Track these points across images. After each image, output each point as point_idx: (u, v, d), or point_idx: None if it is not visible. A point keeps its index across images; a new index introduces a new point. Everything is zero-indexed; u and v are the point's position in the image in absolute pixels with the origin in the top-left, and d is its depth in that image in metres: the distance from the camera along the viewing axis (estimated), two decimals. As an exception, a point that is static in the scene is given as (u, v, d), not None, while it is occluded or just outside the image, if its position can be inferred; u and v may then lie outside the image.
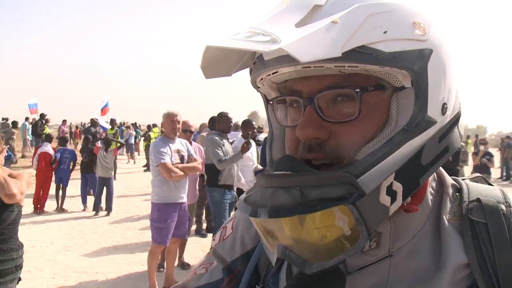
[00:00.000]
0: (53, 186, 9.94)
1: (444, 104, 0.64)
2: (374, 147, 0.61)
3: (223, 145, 5.67)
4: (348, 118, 0.62)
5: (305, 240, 0.58)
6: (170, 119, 4.91)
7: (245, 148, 5.64)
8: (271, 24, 0.58)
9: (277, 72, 0.64)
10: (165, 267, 5.40)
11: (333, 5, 0.60)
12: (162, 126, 5.11)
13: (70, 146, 12.72)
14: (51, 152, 9.96)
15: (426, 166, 0.62)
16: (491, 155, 12.71)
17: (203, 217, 7.73)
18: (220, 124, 5.90)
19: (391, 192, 0.59)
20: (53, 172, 9.99)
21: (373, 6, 0.58)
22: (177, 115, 4.94)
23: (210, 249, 0.93)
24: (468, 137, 24.57)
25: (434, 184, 0.74)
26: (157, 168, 4.78)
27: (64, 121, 23.85)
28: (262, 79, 0.69)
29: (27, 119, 20.89)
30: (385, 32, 0.57)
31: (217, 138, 5.66)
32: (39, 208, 9.51)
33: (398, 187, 0.60)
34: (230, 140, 6.06)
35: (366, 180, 0.58)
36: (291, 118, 0.71)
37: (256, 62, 0.65)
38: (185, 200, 5.07)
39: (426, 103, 0.61)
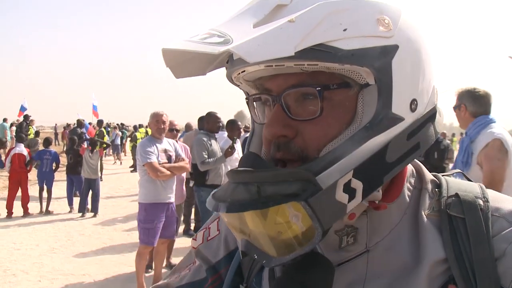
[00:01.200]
0: (36, 188, 9.74)
1: (414, 100, 0.64)
2: (336, 144, 0.61)
3: (211, 145, 5.65)
4: (312, 116, 0.63)
5: (266, 234, 0.58)
6: (155, 119, 4.90)
7: (229, 153, 5.63)
8: (230, 25, 0.59)
9: (245, 71, 0.65)
10: (153, 268, 5.37)
11: (297, 4, 0.60)
12: (149, 127, 5.07)
13: (55, 147, 12.52)
14: (25, 153, 9.77)
15: (392, 164, 0.62)
16: None
17: (191, 217, 7.71)
18: (209, 123, 5.87)
19: (349, 190, 0.58)
20: (36, 174, 9.80)
21: (334, 4, 0.57)
22: (163, 115, 4.93)
23: (192, 248, 0.93)
24: (453, 135, 24.84)
25: (412, 180, 0.74)
26: (144, 168, 4.75)
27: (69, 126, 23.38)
28: (235, 77, 0.69)
29: (5, 120, 20.56)
30: (344, 30, 0.57)
31: (204, 138, 5.64)
32: (24, 211, 9.34)
33: (357, 184, 0.59)
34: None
35: (325, 177, 0.58)
36: (266, 116, 0.72)
37: (228, 61, 0.66)
38: (172, 200, 5.05)
39: (391, 100, 0.61)
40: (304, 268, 0.62)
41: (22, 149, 9.84)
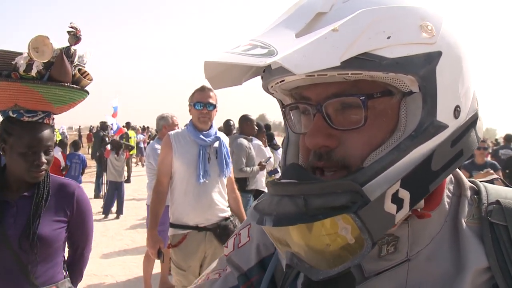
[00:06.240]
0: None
1: (457, 107, 0.62)
2: (381, 154, 0.59)
3: (250, 149, 5.61)
4: (355, 126, 0.61)
5: (312, 247, 0.57)
6: (174, 123, 4.98)
7: (263, 166, 5.68)
8: (271, 36, 0.58)
9: (284, 80, 0.65)
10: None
11: (336, 11, 0.59)
12: (165, 128, 5.01)
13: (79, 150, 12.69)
14: (60, 158, 9.82)
15: (437, 172, 0.60)
16: (495, 167, 7.55)
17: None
18: (247, 127, 5.83)
19: (397, 200, 0.57)
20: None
21: (377, 11, 0.56)
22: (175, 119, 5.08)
23: (224, 256, 0.91)
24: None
25: (451, 187, 0.72)
26: (154, 171, 4.73)
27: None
28: (272, 86, 0.69)
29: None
30: (388, 38, 0.55)
31: (246, 144, 5.58)
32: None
33: (405, 194, 0.58)
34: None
35: (371, 188, 0.56)
36: (304, 124, 0.71)
37: (265, 71, 0.65)
38: None
39: (435, 108, 0.59)
40: (327, 281, 0.60)
41: (57, 154, 9.91)
